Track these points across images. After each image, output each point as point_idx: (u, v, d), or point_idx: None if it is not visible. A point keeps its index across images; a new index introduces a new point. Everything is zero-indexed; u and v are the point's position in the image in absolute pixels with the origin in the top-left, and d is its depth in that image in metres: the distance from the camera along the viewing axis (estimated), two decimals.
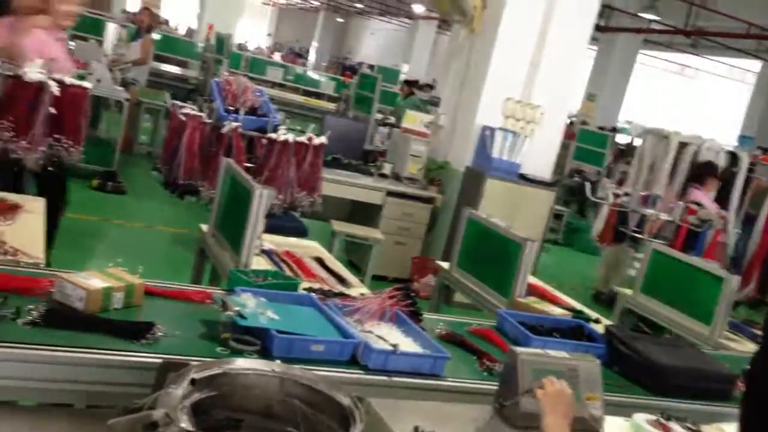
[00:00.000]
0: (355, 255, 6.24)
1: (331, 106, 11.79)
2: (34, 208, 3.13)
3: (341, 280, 3.33)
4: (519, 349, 2.21)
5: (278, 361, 2.15)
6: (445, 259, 4.30)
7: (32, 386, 1.96)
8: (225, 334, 2.25)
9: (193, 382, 1.77)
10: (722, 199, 6.48)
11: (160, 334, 2.17)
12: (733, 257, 6.66)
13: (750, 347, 4.02)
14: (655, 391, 2.78)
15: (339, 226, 5.73)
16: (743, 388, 1.42)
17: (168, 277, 2.71)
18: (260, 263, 3.19)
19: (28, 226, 2.94)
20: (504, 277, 3.55)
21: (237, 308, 2.34)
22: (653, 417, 2.40)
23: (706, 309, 3.88)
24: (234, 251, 3.03)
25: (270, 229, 3.72)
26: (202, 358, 2.05)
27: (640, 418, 2.38)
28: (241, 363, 1.96)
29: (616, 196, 5.96)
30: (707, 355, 3.16)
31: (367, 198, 6.20)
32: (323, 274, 3.38)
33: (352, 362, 2.34)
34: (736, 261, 6.75)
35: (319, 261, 3.55)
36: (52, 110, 3.41)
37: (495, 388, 2.27)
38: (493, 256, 3.74)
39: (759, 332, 4.23)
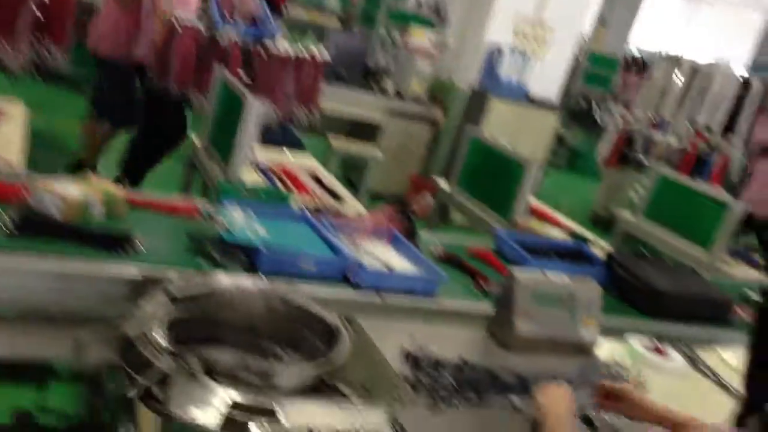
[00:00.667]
0: (352, 173, 6.12)
1: (336, 22, 11.44)
2: (12, 113, 3.00)
3: (336, 197, 3.23)
4: (518, 272, 2.13)
5: (264, 278, 2.08)
6: (444, 180, 4.20)
7: (6, 296, 1.88)
8: (211, 249, 2.17)
9: (172, 297, 1.70)
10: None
11: (141, 247, 2.08)
12: (733, 185, 6.56)
13: (748, 273, 3.97)
14: (652, 314, 2.73)
15: (337, 142, 5.59)
16: (753, 318, 1.33)
17: (155, 190, 2.61)
18: (253, 176, 3.09)
19: (5, 131, 2.82)
20: (505, 199, 3.45)
21: (224, 222, 2.24)
22: (647, 340, 2.34)
23: (707, 235, 3.80)
24: (224, 163, 2.92)
25: (264, 141, 3.61)
26: (185, 272, 1.97)
27: (636, 341, 2.32)
28: (225, 279, 1.88)
29: (625, 119, 5.80)
30: (706, 280, 3.09)
31: (367, 116, 6.04)
32: (318, 190, 3.28)
33: (344, 281, 2.26)
34: (735, 188, 6.65)
35: (314, 176, 3.45)
36: (38, 14, 3.25)
37: (490, 310, 2.21)
38: (494, 176, 3.64)
39: (758, 258, 4.18)
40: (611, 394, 1.77)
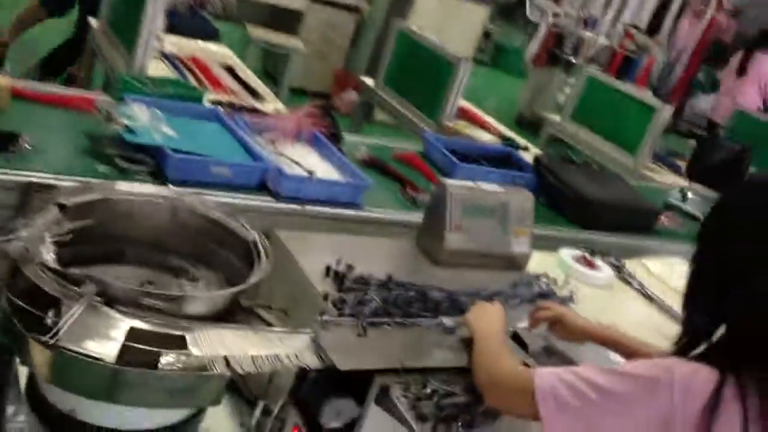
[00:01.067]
0: (272, 65, 5.80)
1: None
2: None
3: (254, 93, 2.98)
4: (449, 182, 1.99)
5: (172, 186, 1.88)
6: (369, 76, 3.97)
7: None
8: (110, 151, 1.93)
9: (62, 207, 1.48)
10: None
11: (27, 146, 1.82)
12: (656, 87, 6.58)
13: (670, 179, 3.99)
14: (581, 223, 2.67)
15: (255, 31, 5.24)
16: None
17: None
18: (159, 69, 2.79)
19: None
20: (433, 99, 3.27)
21: (126, 121, 2.00)
22: (579, 252, 2.29)
23: (634, 139, 3.75)
24: (127, 52, 2.61)
25: (173, 29, 3.28)
26: (79, 179, 1.74)
27: (566, 253, 2.26)
28: (125, 187, 1.67)
29: (555, 15, 5.64)
30: (632, 187, 3.05)
31: (288, 2, 5.66)
32: (233, 85, 3.01)
33: (262, 189, 2.08)
34: (657, 90, 6.68)
35: (230, 70, 3.17)
36: None
37: (419, 220, 2.08)
38: (422, 74, 3.44)
39: (681, 163, 4.20)
40: (548, 319, 1.69)
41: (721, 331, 1.18)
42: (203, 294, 1.53)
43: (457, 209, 1.95)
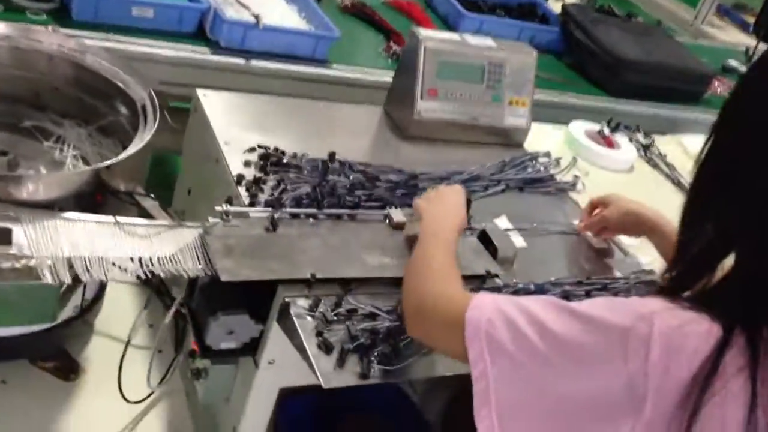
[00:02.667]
0: None
1: None
2: None
3: None
4: (424, 33, 1.56)
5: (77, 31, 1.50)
6: None
7: None
8: None
9: None
10: None
11: None
12: None
13: (736, 38, 3.42)
14: (610, 89, 2.21)
15: None
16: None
17: None
18: None
19: None
20: None
21: None
22: (594, 126, 1.86)
23: None
24: None
25: None
26: None
27: (578, 127, 1.84)
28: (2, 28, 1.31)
29: None
30: (682, 46, 2.54)
31: None
32: None
33: (199, 36, 1.68)
34: None
35: None
36: None
37: None
38: None
39: (750, 19, 3.59)
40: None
41: (732, 260, 0.79)
42: (41, 175, 1.19)
43: (433, 68, 1.54)
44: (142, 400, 1.32)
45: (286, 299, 1.07)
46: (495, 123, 1.63)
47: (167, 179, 1.65)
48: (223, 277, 1.03)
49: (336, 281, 1.11)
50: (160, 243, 1.08)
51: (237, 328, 1.10)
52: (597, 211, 1.42)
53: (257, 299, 1.10)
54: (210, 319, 1.08)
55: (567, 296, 1.25)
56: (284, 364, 1.14)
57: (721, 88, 2.57)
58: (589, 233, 1.44)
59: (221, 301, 1.09)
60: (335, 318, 1.05)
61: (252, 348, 1.14)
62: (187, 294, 1.15)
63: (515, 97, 1.63)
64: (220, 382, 1.25)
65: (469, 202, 1.30)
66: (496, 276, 1.23)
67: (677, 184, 1.83)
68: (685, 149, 1.98)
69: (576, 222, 1.48)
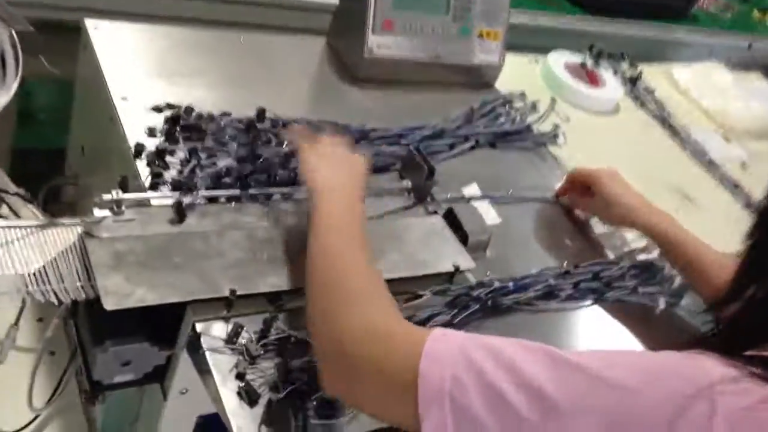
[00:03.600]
0: None
1: None
2: None
3: None
4: None
5: None
6: None
7: None
8: None
9: None
10: None
11: None
12: None
13: None
14: (590, 7, 1.93)
15: None
16: None
17: None
18: None
19: None
20: None
21: None
22: (575, 59, 1.60)
23: None
24: None
25: None
26: None
27: (557, 60, 1.57)
28: None
29: None
30: None
31: None
32: None
33: None
34: None
35: None
36: None
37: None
38: None
39: None
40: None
41: None
42: None
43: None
44: (22, 428, 1.06)
45: (197, 325, 0.82)
46: (462, 60, 1.35)
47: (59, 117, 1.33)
48: (107, 305, 0.77)
49: (264, 296, 0.86)
50: (25, 251, 0.81)
51: (134, 358, 0.85)
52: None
53: (161, 319, 0.85)
54: (96, 350, 0.83)
55: (552, 292, 1.03)
56: (201, 390, 0.90)
57: (707, 2, 2.31)
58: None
59: (112, 326, 0.83)
60: (262, 351, 0.81)
61: (158, 375, 0.89)
62: (71, 311, 0.89)
63: (486, 28, 1.35)
64: (123, 405, 1.01)
65: (431, 172, 1.05)
66: (467, 271, 1.00)
67: (668, 126, 1.59)
68: (676, 83, 1.74)
69: (557, 186, 1.24)
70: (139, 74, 1.10)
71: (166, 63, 1.15)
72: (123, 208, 0.88)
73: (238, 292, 0.83)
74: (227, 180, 0.98)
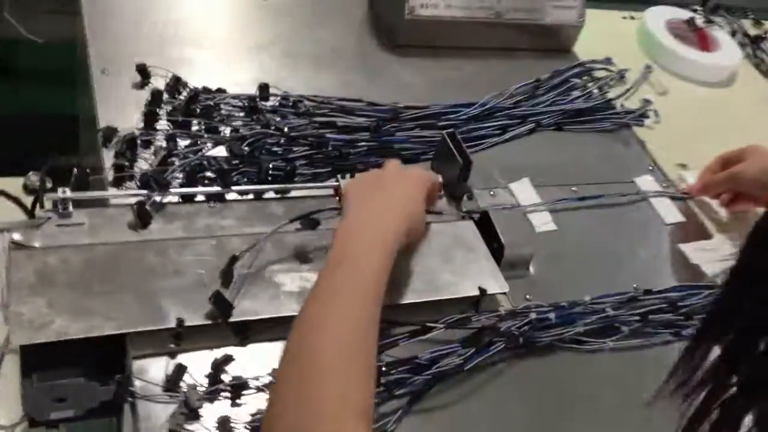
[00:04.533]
0: None
1: None
2: None
3: None
4: None
5: None
6: None
7: None
8: None
9: None
10: None
11: None
12: None
13: None
14: None
15: None
16: None
17: None
18: None
19: None
20: None
21: None
22: (684, 13, 1.31)
23: None
24: None
25: None
26: None
27: (657, 16, 1.29)
28: None
29: None
30: None
31: None
32: None
33: None
34: None
35: None
36: None
37: None
38: None
39: None
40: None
41: None
42: None
43: None
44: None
45: (134, 363, 0.66)
46: (530, 19, 1.11)
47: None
48: (14, 339, 0.63)
49: (230, 324, 0.69)
50: None
51: (70, 394, 0.71)
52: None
53: (104, 348, 0.70)
54: (24, 384, 0.69)
55: (610, 326, 0.80)
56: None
57: None
58: (710, 200, 0.97)
59: (41, 356, 0.69)
60: (206, 400, 0.64)
61: (109, 410, 0.75)
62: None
63: None
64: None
65: (467, 165, 0.85)
66: (499, 295, 0.79)
67: None
68: None
69: (640, 179, 0.99)
70: (130, 42, 0.94)
71: (166, 30, 0.98)
72: (70, 209, 0.73)
73: (188, 323, 0.67)
74: (209, 174, 0.81)
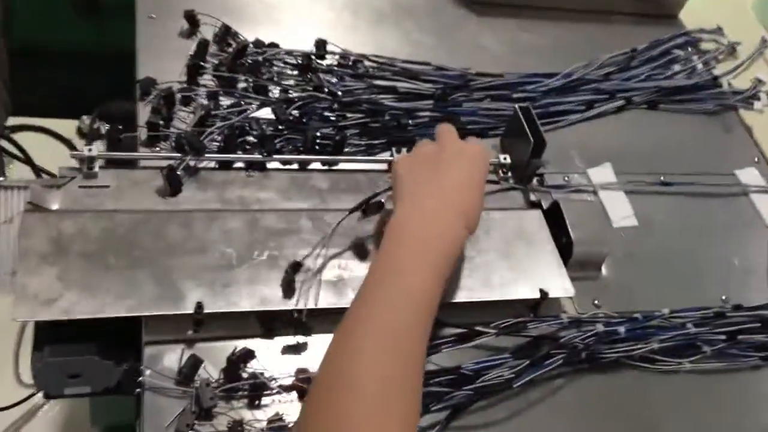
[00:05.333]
0: None
1: None
2: None
3: None
4: None
5: None
6: None
7: None
8: None
9: None
10: None
11: None
12: None
13: None
14: None
15: None
16: None
17: None
18: None
19: None
20: None
21: None
22: None
23: None
24: None
25: None
26: None
27: None
28: None
29: None
30: None
31: None
32: None
33: None
34: None
35: None
36: None
37: None
38: None
39: None
40: None
41: None
42: None
43: None
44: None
45: (146, 350, 0.60)
46: None
47: None
48: (15, 314, 0.58)
49: (247, 315, 0.62)
50: None
51: (83, 371, 0.66)
52: None
53: (121, 326, 0.64)
54: (34, 358, 0.64)
55: (691, 344, 0.69)
56: None
57: None
58: None
59: (54, 330, 0.64)
60: (219, 397, 0.58)
61: (127, 387, 0.70)
62: None
63: None
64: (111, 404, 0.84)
65: (540, 145, 0.75)
66: (565, 299, 0.69)
67: None
68: None
69: (743, 172, 0.86)
70: None
71: None
72: (96, 168, 0.67)
73: (207, 310, 0.60)
74: (251, 138, 0.74)
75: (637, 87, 0.90)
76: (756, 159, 0.89)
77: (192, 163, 0.70)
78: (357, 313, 0.53)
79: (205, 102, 0.75)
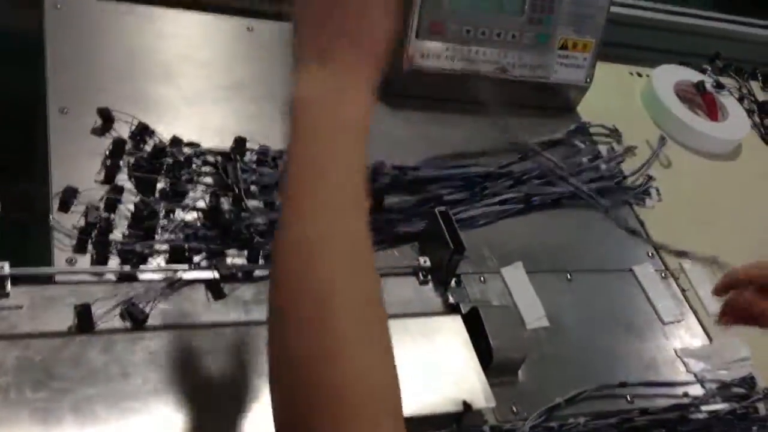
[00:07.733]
0: None
1: None
2: None
3: None
4: None
5: None
6: None
7: None
8: None
9: None
10: None
11: None
12: None
13: None
14: None
15: None
16: None
17: None
18: None
19: None
20: None
21: None
22: (694, 75, 1.24)
23: None
24: None
25: None
26: None
27: (665, 78, 1.22)
28: None
29: None
30: None
31: None
32: None
33: None
34: None
35: None
36: None
37: None
38: None
39: None
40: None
41: None
42: None
43: None
44: None
45: None
46: (537, 76, 1.02)
47: None
48: None
49: None
50: None
51: None
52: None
53: None
54: None
55: None
56: None
57: None
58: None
59: None
60: None
61: None
62: None
63: (574, 36, 1.02)
64: None
65: (458, 250, 0.77)
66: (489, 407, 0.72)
67: None
68: None
69: (639, 268, 0.92)
70: (96, 75, 0.84)
71: (136, 62, 0.88)
72: (8, 288, 0.64)
73: None
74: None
75: (539, 191, 0.94)
76: (650, 254, 0.95)
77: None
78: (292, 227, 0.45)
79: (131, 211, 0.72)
